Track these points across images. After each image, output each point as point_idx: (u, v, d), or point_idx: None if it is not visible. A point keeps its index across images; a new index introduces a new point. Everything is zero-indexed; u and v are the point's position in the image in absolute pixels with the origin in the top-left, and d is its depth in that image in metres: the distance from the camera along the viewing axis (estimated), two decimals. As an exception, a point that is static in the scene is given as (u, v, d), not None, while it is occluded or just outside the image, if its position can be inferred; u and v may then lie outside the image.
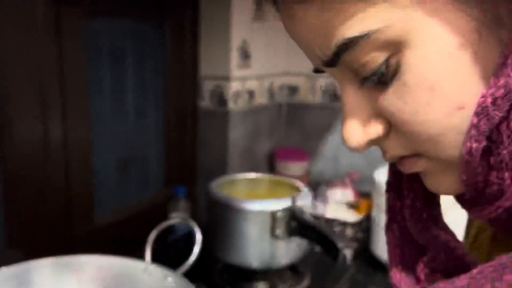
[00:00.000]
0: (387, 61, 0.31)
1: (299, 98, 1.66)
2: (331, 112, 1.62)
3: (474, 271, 0.32)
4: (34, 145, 1.00)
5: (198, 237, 0.82)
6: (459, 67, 0.30)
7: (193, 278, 0.77)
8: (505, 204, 0.32)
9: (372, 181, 1.31)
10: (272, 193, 1.14)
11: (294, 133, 1.69)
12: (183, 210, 1.30)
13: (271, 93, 1.59)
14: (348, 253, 0.82)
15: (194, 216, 1.35)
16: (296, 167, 1.57)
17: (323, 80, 1.61)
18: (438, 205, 0.41)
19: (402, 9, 0.30)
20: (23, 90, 0.96)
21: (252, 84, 1.47)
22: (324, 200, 1.40)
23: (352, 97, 0.34)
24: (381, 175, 1.28)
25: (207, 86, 1.40)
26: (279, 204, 0.98)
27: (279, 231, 0.97)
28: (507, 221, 0.34)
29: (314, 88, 1.63)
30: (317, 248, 1.29)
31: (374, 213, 1.29)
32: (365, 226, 1.35)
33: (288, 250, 1.02)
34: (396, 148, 0.35)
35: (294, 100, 1.67)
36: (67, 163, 1.07)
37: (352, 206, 1.44)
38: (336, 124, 1.63)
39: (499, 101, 0.29)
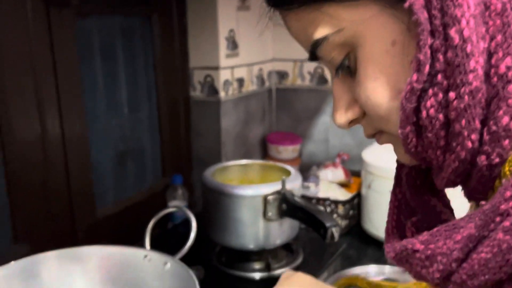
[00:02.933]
0: (348, 56, 0.40)
1: (288, 83, 1.70)
2: (320, 95, 1.66)
3: (435, 229, 0.38)
4: (33, 143, 1.04)
5: (193, 223, 0.87)
6: (394, 60, 0.38)
7: (192, 262, 0.83)
8: (445, 175, 0.38)
9: (361, 161, 1.36)
10: (263, 178, 1.19)
11: (285, 117, 1.74)
12: (181, 198, 1.35)
13: (260, 79, 1.63)
14: (335, 230, 0.87)
15: (191, 203, 1.41)
16: (288, 151, 1.62)
17: (311, 65, 1.65)
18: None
19: (350, 18, 0.38)
20: (19, 90, 1.00)
21: (241, 72, 1.51)
22: (316, 181, 1.45)
23: (337, 86, 0.43)
24: (369, 155, 1.33)
25: (197, 77, 1.44)
26: (270, 188, 1.03)
27: (271, 213, 1.03)
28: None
29: (302, 73, 1.67)
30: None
31: (363, 191, 1.35)
32: (356, 204, 1.40)
33: (281, 231, 1.07)
34: (367, 126, 0.44)
35: (284, 85, 1.71)
36: (66, 159, 1.11)
37: (343, 185, 1.49)
38: (325, 107, 1.67)
39: (410, 93, 0.36)
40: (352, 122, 0.44)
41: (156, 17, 1.36)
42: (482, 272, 0.34)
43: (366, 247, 1.31)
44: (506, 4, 0.34)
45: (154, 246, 0.93)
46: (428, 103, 0.36)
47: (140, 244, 1.01)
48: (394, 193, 0.49)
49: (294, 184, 1.06)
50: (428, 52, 0.35)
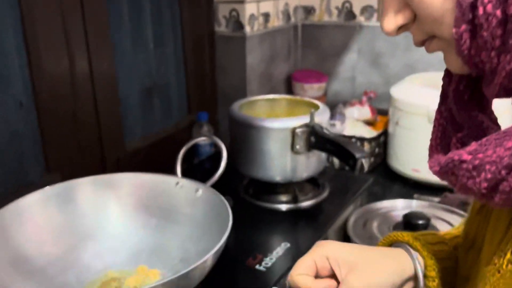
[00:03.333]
0: None
1: (314, 19, 1.66)
2: (347, 31, 1.62)
3: (484, 139, 0.38)
4: (62, 78, 1.05)
5: (224, 152, 0.88)
6: None
7: (221, 192, 0.83)
8: (498, 81, 0.37)
9: (388, 99, 1.34)
10: (290, 112, 1.18)
11: (310, 54, 1.71)
12: (206, 135, 1.36)
13: (286, 15, 1.59)
14: (364, 161, 0.86)
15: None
16: (314, 89, 1.60)
17: (338, 0, 1.60)
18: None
19: None
20: (47, 26, 1.00)
21: (267, 6, 1.47)
22: (342, 119, 1.44)
23: None
24: (397, 91, 1.30)
25: (222, 11, 1.41)
26: (299, 121, 1.03)
27: (299, 146, 1.03)
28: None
29: (329, 8, 1.63)
30: (336, 163, 1.35)
31: (390, 128, 1.34)
32: (382, 141, 1.40)
33: (308, 164, 1.07)
34: (418, 32, 0.42)
35: (310, 21, 1.67)
36: (94, 93, 1.12)
37: (369, 123, 1.48)
38: (352, 44, 1.63)
39: None
40: (401, 29, 0.42)
41: None
42: None
43: (392, 184, 1.32)
44: None
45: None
46: None
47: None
48: (439, 110, 0.48)
49: (323, 117, 1.06)
50: None
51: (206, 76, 1.47)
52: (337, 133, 1.36)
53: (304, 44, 1.70)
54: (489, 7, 0.34)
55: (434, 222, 1.03)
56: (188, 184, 0.84)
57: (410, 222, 0.97)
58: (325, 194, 1.13)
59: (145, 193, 0.87)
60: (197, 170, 1.33)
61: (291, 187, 1.10)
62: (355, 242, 1.00)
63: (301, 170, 1.07)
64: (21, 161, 1.01)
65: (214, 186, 0.91)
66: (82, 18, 1.06)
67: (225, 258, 0.75)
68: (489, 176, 0.36)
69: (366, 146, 1.33)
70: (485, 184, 0.37)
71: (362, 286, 0.50)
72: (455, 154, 0.39)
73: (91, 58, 1.10)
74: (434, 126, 0.48)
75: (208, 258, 0.66)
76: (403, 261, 0.54)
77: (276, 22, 1.53)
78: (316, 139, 1.01)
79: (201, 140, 0.96)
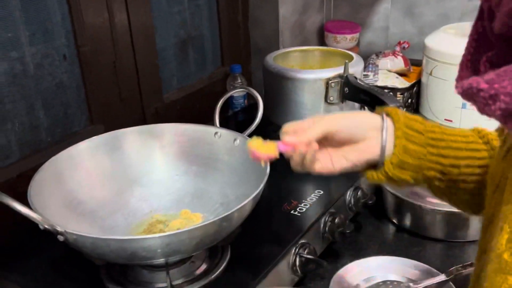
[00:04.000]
0: None
1: (347, -32, 1.64)
2: (381, -20, 1.60)
3: (502, 68, 0.39)
4: (101, 29, 1.08)
5: (260, 102, 0.91)
6: None
7: None
8: (500, 16, 0.37)
9: (421, 49, 1.34)
10: (324, 64, 1.19)
11: (343, 4, 1.69)
12: (240, 87, 1.39)
13: (319, -36, 1.57)
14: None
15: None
16: (346, 39, 1.60)
17: None
18: None
19: None
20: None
21: (300, -43, 1.46)
22: (375, 70, 1.44)
23: None
24: (431, 41, 1.30)
25: (255, -38, 1.41)
26: (332, 72, 1.04)
27: (333, 97, 1.05)
28: None
29: (363, -44, 1.60)
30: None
31: (423, 79, 1.34)
32: (415, 92, 1.40)
33: (341, 115, 1.10)
34: None
35: (343, -30, 1.65)
36: (132, 44, 1.15)
37: (402, 74, 1.48)
38: (386, -7, 1.61)
39: None
40: None
41: None
42: None
43: (423, 134, 1.33)
44: None
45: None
46: None
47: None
48: (474, 26, 0.48)
49: (357, 68, 1.07)
50: None
51: (239, 28, 1.48)
52: (371, 85, 1.37)
53: (337, -6, 1.68)
54: None
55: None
56: (226, 134, 0.88)
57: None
58: (357, 144, 1.16)
59: (186, 142, 0.91)
60: (232, 121, 1.36)
61: (324, 137, 1.13)
62: (391, 193, 1.03)
63: (334, 121, 1.10)
64: (66, 112, 1.06)
65: (250, 136, 0.94)
66: (120, -29, 1.08)
67: (262, 203, 0.79)
68: (503, 106, 0.38)
69: (399, 97, 1.34)
70: (499, 112, 0.39)
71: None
72: (474, 81, 0.41)
73: (129, 10, 1.12)
74: (468, 42, 0.48)
75: (247, 203, 0.69)
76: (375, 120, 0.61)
77: (309, -29, 1.52)
78: (350, 89, 1.02)
79: (237, 91, 0.99)
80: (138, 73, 1.18)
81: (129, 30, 1.13)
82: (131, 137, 0.90)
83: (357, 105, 1.11)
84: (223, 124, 0.99)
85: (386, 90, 1.34)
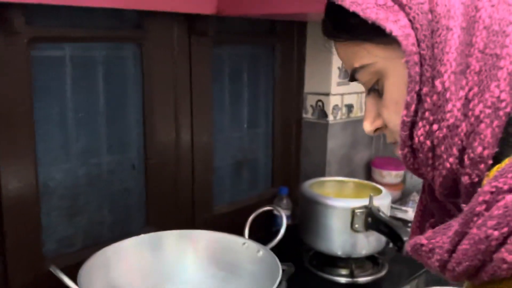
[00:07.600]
0: (377, 82, 0.54)
1: (397, 112, 1.80)
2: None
3: (437, 227, 0.49)
4: (169, 147, 1.29)
5: (284, 220, 1.04)
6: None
7: (286, 259, 0.95)
8: (436, 188, 0.50)
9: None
10: (357, 194, 1.31)
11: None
12: (285, 207, 1.52)
13: (370, 106, 1.74)
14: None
15: (294, 213, 1.57)
16: (391, 175, 1.71)
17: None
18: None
19: (382, 55, 0.52)
20: (162, 102, 1.25)
21: (351, 99, 1.65)
22: (414, 206, 1.53)
23: (368, 102, 0.57)
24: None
25: (310, 101, 1.62)
26: (359, 203, 1.16)
27: (358, 225, 1.15)
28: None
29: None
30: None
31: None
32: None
33: (367, 242, 1.19)
34: (389, 135, 0.56)
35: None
36: (193, 162, 1.34)
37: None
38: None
39: (403, 124, 0.49)
40: (377, 130, 0.56)
41: (279, 46, 1.57)
42: (464, 259, 0.45)
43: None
44: (482, 66, 0.46)
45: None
46: (419, 132, 0.48)
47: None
48: (420, 199, 0.61)
49: (383, 202, 1.18)
50: (415, 96, 0.48)
51: (291, 155, 1.66)
52: (407, 220, 1.45)
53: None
54: (422, 138, 0.48)
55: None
56: (252, 245, 1.01)
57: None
58: (383, 272, 1.23)
59: (218, 248, 1.05)
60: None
61: (350, 263, 1.22)
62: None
63: (360, 247, 1.19)
64: (127, 213, 1.24)
65: (283, 253, 0.99)
66: (190, 99, 1.30)
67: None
68: (438, 257, 0.47)
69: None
70: (437, 264, 0.47)
71: None
72: (418, 238, 0.51)
73: (193, 132, 1.33)
74: (416, 212, 0.60)
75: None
76: None
77: (359, 113, 1.70)
78: (372, 220, 1.13)
79: (267, 208, 1.13)
80: (194, 185, 1.36)
81: (191, 149, 1.34)
82: (172, 238, 1.05)
83: (382, 237, 1.21)
84: (268, 240, 1.06)
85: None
